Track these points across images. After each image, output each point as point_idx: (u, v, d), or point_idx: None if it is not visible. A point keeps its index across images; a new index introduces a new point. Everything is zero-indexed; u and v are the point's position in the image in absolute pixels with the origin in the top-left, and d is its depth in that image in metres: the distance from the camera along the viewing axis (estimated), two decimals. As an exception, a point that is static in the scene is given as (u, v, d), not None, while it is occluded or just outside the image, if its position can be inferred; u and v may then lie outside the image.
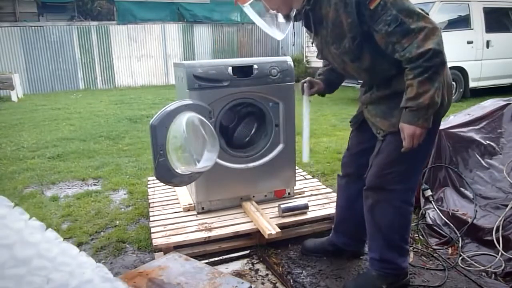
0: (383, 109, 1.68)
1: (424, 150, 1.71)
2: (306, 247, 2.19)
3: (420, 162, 1.75)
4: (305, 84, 2.00)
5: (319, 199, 2.56)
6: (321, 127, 5.47)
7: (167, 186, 2.85)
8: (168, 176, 2.00)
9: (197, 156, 2.13)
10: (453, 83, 7.31)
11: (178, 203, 2.56)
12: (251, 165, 2.46)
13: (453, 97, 7.43)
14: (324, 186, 2.79)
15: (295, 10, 1.67)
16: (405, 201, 1.75)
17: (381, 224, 1.77)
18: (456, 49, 7.15)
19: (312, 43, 1.84)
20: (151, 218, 2.37)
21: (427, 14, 1.48)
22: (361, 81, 1.87)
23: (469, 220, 2.25)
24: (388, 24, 1.44)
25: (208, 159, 2.12)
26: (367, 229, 1.87)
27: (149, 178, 3.11)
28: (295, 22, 1.77)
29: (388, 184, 1.71)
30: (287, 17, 1.71)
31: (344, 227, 2.09)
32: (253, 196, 2.53)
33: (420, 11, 1.45)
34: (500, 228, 2.11)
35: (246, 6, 1.69)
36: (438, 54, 1.41)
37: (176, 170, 2.00)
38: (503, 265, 1.97)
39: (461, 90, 7.50)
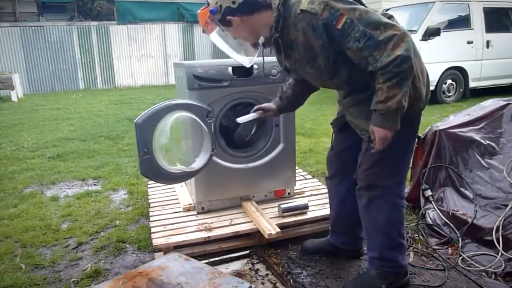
0: (364, 109, 1.68)
1: (411, 143, 1.77)
2: (305, 247, 2.20)
3: (408, 155, 1.81)
4: (258, 112, 2.00)
5: (319, 199, 2.56)
6: (321, 127, 5.47)
7: (167, 186, 2.86)
8: (154, 173, 2.02)
9: (182, 156, 2.15)
10: (453, 83, 7.41)
11: (178, 203, 2.56)
12: (251, 165, 2.46)
13: (453, 97, 7.53)
14: (324, 186, 2.79)
15: (262, 38, 1.68)
16: (398, 195, 1.78)
17: (378, 221, 1.78)
18: (456, 49, 7.16)
19: (281, 66, 1.84)
20: (151, 218, 2.37)
21: (393, 20, 1.54)
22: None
23: (469, 220, 2.25)
24: (357, 40, 1.47)
25: (196, 160, 2.14)
26: (364, 229, 1.88)
27: (149, 178, 3.11)
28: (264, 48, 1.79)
29: (380, 180, 1.73)
30: (254, 45, 1.72)
31: (340, 226, 2.10)
32: (253, 196, 2.53)
33: (386, 20, 1.48)
34: (500, 228, 2.11)
35: (213, 35, 1.69)
36: (406, 59, 1.44)
37: (165, 169, 2.01)
38: (503, 265, 1.97)
39: (461, 90, 7.50)
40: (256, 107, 2.03)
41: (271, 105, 2.03)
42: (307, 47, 1.59)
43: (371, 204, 1.77)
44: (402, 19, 6.73)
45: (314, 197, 2.60)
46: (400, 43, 1.44)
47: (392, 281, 1.80)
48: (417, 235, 2.34)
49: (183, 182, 2.87)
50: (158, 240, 2.09)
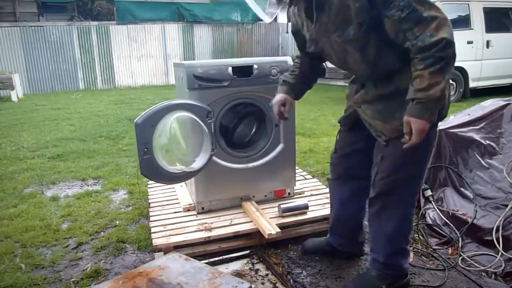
0: (380, 109, 1.59)
1: (428, 151, 1.67)
2: (305, 247, 2.18)
3: (425, 163, 1.72)
4: (282, 108, 1.88)
5: (319, 199, 2.56)
6: (321, 127, 5.47)
7: (167, 186, 2.86)
8: (154, 173, 2.02)
9: (182, 156, 2.15)
10: (453, 83, 7.40)
11: (178, 203, 2.55)
12: (251, 165, 2.45)
13: (453, 97, 7.52)
14: (324, 186, 2.79)
15: None
16: (411, 204, 1.73)
17: (387, 229, 1.74)
18: (456, 49, 7.15)
19: (298, 35, 1.68)
20: (151, 218, 2.37)
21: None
22: (354, 77, 1.77)
23: (469, 220, 2.25)
24: (401, 9, 1.35)
25: (196, 160, 2.14)
26: (372, 231, 1.84)
27: (149, 178, 3.11)
28: (290, 8, 1.65)
29: (395, 189, 1.66)
30: (279, 0, 1.54)
31: (339, 228, 2.08)
32: (253, 196, 2.53)
33: (431, 0, 1.39)
34: (500, 228, 2.11)
35: None
36: (451, 44, 1.33)
37: (165, 169, 2.01)
38: (503, 265, 1.97)
39: (461, 90, 7.50)
40: (276, 109, 1.88)
41: (286, 97, 1.87)
42: (341, 9, 1.45)
43: (382, 213, 1.72)
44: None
45: (314, 197, 2.60)
46: (443, 26, 1.34)
47: (392, 282, 1.80)
48: (417, 235, 2.34)
49: (183, 182, 2.87)
50: (158, 240, 2.09)
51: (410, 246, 2.19)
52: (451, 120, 2.78)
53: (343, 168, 1.93)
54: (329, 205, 2.41)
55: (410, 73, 1.43)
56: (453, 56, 1.36)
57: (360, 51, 1.51)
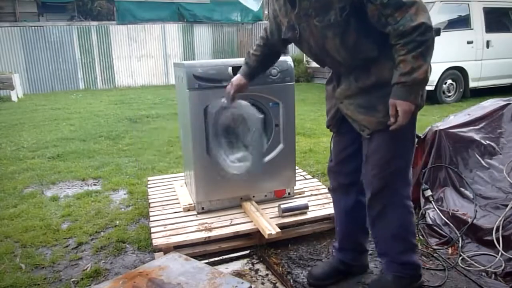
0: (362, 103, 1.60)
1: (413, 140, 1.68)
2: (314, 275, 1.95)
3: (411, 153, 1.73)
4: (233, 93, 1.96)
5: (319, 199, 2.56)
6: (321, 127, 5.47)
7: (167, 186, 2.86)
8: None
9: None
10: (453, 83, 7.41)
11: (178, 203, 2.56)
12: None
13: (453, 97, 7.52)
14: (324, 186, 2.79)
15: None
16: (408, 197, 1.73)
17: (393, 226, 1.71)
18: (456, 49, 7.16)
19: (273, 22, 1.71)
20: (151, 218, 2.37)
21: None
22: (330, 74, 1.77)
23: (469, 220, 2.25)
24: None
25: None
26: (377, 236, 1.79)
27: (149, 178, 3.11)
28: None
29: (391, 183, 1.66)
30: None
31: (349, 242, 1.95)
32: (253, 196, 2.53)
33: None
34: (500, 228, 2.11)
35: None
36: (429, 29, 1.38)
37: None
38: (503, 265, 1.97)
39: (461, 90, 7.51)
40: (228, 91, 1.97)
41: (239, 78, 1.95)
42: None
43: (384, 211, 1.70)
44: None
45: (314, 197, 2.60)
46: (422, 12, 1.38)
47: (407, 284, 1.76)
48: (417, 235, 2.34)
49: (183, 182, 2.87)
50: (158, 240, 2.09)
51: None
52: (451, 120, 2.78)
53: (342, 176, 1.87)
54: (329, 205, 2.42)
55: (389, 64, 1.49)
56: (432, 40, 1.40)
57: (340, 36, 1.52)
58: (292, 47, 12.77)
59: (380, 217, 1.72)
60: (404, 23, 1.38)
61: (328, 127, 1.87)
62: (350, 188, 1.86)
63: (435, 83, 7.00)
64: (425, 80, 1.44)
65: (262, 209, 2.38)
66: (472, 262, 2.06)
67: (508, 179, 2.35)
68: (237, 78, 1.97)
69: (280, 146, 2.49)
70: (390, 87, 1.48)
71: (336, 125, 1.81)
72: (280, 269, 2.06)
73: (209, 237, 2.15)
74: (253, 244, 2.25)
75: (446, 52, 6.95)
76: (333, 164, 1.89)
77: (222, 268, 2.07)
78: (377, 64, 1.56)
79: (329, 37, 1.53)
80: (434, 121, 3.69)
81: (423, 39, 1.38)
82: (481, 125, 2.69)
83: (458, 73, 7.35)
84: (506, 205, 2.19)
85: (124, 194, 3.22)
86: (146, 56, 12.58)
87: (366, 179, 1.71)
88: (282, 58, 2.43)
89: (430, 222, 2.39)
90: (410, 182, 1.75)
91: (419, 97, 1.48)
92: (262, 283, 1.97)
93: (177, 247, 2.08)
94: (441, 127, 2.63)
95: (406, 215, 1.73)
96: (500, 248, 2.03)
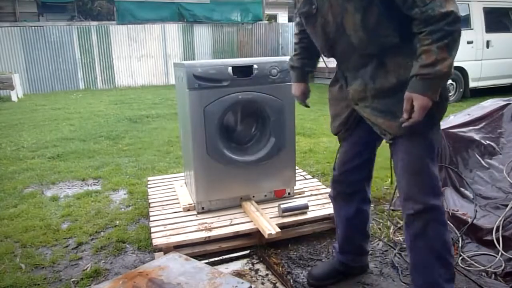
0: (379, 107, 1.49)
1: (439, 142, 1.56)
2: (314, 275, 1.93)
3: (436, 157, 1.56)
4: (304, 101, 1.93)
5: (319, 199, 2.56)
6: (321, 127, 5.47)
7: (167, 186, 2.86)
8: None
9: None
10: (453, 83, 7.40)
11: (178, 203, 2.55)
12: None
13: (453, 97, 7.52)
14: (324, 186, 2.79)
15: None
16: (444, 212, 1.57)
17: (436, 246, 1.53)
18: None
19: (296, 12, 1.61)
20: (151, 218, 2.37)
21: None
22: (337, 70, 1.68)
23: (469, 220, 2.25)
24: None
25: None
26: (418, 260, 1.58)
27: (149, 178, 3.11)
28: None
29: (427, 196, 1.50)
30: None
31: (349, 246, 1.93)
32: (253, 196, 2.53)
33: None
34: (500, 228, 2.11)
35: None
36: (458, 19, 1.26)
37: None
38: (503, 265, 1.97)
39: (461, 90, 7.51)
40: (301, 101, 1.92)
41: (296, 87, 1.88)
42: None
43: (428, 227, 1.51)
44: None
45: (314, 197, 2.60)
46: (451, 0, 1.27)
47: None
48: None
49: (183, 182, 2.87)
50: (158, 240, 2.09)
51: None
52: (451, 120, 2.78)
53: (345, 186, 1.82)
54: (329, 205, 2.42)
55: (408, 61, 1.39)
56: (459, 33, 1.29)
57: (361, 12, 1.40)
58: (292, 47, 12.76)
59: (423, 235, 1.53)
60: (433, 7, 1.26)
61: (336, 133, 1.74)
62: (352, 196, 1.82)
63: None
64: (447, 75, 1.30)
65: (262, 209, 2.38)
66: (472, 262, 2.06)
67: (508, 179, 2.35)
68: (296, 89, 1.91)
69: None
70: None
71: (348, 130, 1.69)
72: (280, 269, 2.06)
73: (209, 237, 2.15)
74: (253, 244, 2.25)
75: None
76: (337, 174, 1.82)
77: (222, 268, 2.07)
78: (394, 58, 1.45)
79: (350, 12, 1.41)
80: (434, 121, 3.68)
81: (450, 29, 1.26)
82: (481, 125, 2.69)
83: (458, 73, 7.35)
84: (506, 205, 2.19)
85: (124, 194, 3.22)
86: (146, 56, 12.58)
87: (406, 195, 1.54)
88: (282, 58, 2.44)
89: (430, 222, 2.39)
90: (440, 192, 1.57)
91: (438, 93, 1.33)
92: (262, 283, 1.97)
93: (177, 247, 2.08)
94: (441, 127, 2.63)
95: (446, 232, 1.55)
96: (500, 248, 2.03)
